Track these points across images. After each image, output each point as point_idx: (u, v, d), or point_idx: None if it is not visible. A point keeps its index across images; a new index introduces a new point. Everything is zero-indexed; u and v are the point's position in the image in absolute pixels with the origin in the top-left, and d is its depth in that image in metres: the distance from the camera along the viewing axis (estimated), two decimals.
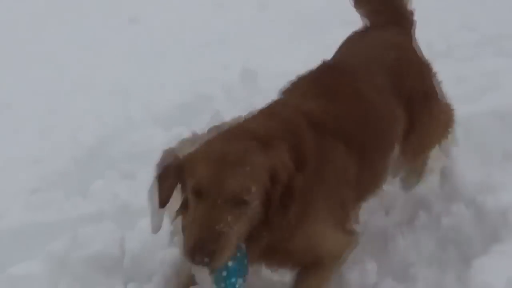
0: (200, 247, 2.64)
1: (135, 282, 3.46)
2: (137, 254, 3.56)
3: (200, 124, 4.10)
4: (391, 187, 3.87)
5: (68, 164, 4.84)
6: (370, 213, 3.77)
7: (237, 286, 2.79)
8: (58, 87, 6.25)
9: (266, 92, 3.65)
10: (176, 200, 2.93)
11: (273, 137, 2.86)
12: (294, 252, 2.99)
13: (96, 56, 6.97)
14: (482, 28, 6.91)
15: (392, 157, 3.50)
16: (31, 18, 8.25)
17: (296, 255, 3.02)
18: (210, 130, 2.91)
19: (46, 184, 4.60)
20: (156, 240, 3.56)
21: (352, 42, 3.77)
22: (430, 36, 4.08)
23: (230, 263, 2.76)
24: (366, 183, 3.30)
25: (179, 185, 2.88)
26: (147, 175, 3.25)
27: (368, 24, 3.84)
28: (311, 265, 3.09)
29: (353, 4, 3.88)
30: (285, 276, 3.18)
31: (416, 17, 3.86)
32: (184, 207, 2.88)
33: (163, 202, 2.88)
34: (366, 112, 3.28)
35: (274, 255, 2.99)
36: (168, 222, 3.20)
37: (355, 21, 3.91)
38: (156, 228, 3.25)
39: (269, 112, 3.13)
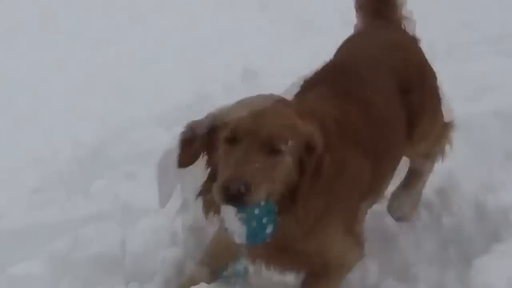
0: (237, 177, 2.53)
1: (136, 282, 3.46)
2: (138, 254, 3.55)
3: None
4: (391, 187, 3.87)
5: (70, 164, 4.84)
6: (370, 213, 3.77)
7: (267, 231, 2.66)
8: (60, 87, 6.24)
9: (267, 92, 3.64)
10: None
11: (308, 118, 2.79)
12: (303, 254, 2.96)
13: (97, 56, 6.96)
14: (482, 28, 6.89)
15: (399, 162, 3.49)
16: (32, 18, 8.24)
17: (305, 257, 2.99)
18: (207, 117, 2.87)
19: (47, 184, 4.60)
20: (158, 240, 3.56)
21: (354, 42, 3.75)
22: (430, 35, 4.06)
23: (262, 203, 2.63)
24: (375, 191, 3.29)
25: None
26: (149, 175, 3.25)
27: (368, 24, 3.83)
28: (318, 272, 3.06)
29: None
30: (286, 276, 3.16)
31: (416, 17, 3.86)
32: (211, 179, 2.78)
33: (184, 162, 2.81)
34: (380, 118, 3.21)
35: (283, 255, 2.95)
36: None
37: (355, 21, 3.90)
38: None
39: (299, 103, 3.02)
